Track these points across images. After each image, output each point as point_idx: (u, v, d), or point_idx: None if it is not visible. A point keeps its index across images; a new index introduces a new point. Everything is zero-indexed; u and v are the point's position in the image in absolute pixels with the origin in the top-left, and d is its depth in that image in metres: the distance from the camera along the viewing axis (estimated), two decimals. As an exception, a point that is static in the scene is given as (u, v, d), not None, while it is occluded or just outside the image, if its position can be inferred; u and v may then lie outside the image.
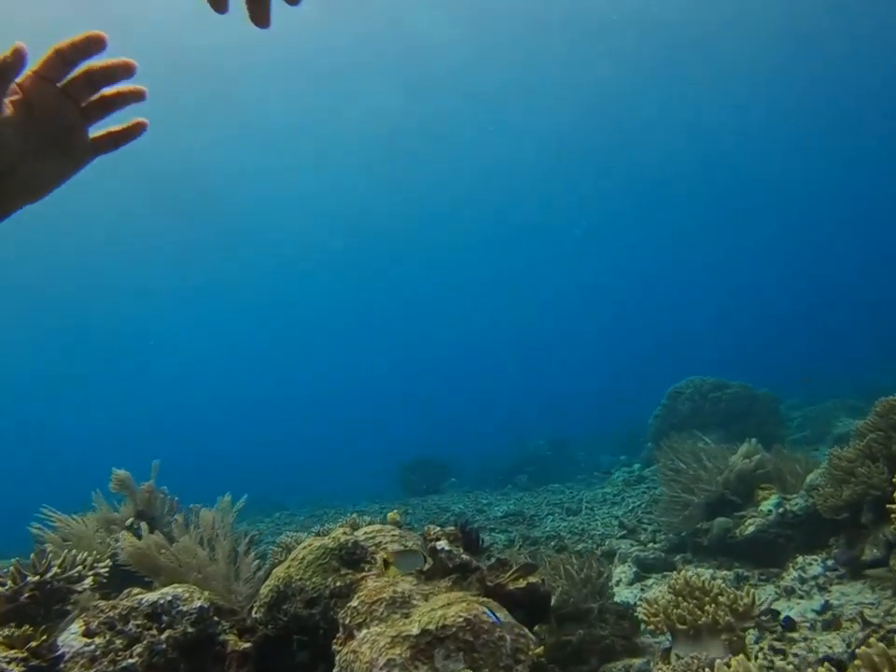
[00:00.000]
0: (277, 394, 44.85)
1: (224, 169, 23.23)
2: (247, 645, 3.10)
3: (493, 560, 3.48)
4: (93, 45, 0.81)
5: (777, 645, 3.68)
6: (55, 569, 2.82)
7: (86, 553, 3.09)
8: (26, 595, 2.75)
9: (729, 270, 40.11)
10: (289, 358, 45.02)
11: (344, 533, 3.33)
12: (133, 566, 3.32)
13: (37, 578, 2.76)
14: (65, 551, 3.05)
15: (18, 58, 0.75)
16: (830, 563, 4.70)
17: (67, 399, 41.41)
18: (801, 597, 4.56)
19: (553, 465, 13.50)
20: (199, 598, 3.06)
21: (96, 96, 0.88)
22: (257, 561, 3.63)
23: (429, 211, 32.18)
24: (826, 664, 2.31)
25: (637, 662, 3.43)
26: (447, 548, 3.28)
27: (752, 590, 3.04)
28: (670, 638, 3.07)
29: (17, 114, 0.81)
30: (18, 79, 0.79)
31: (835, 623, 4.04)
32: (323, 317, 42.25)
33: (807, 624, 4.12)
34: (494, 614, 2.61)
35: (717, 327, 41.68)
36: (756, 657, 3.36)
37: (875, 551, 4.43)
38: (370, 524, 3.95)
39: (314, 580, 3.17)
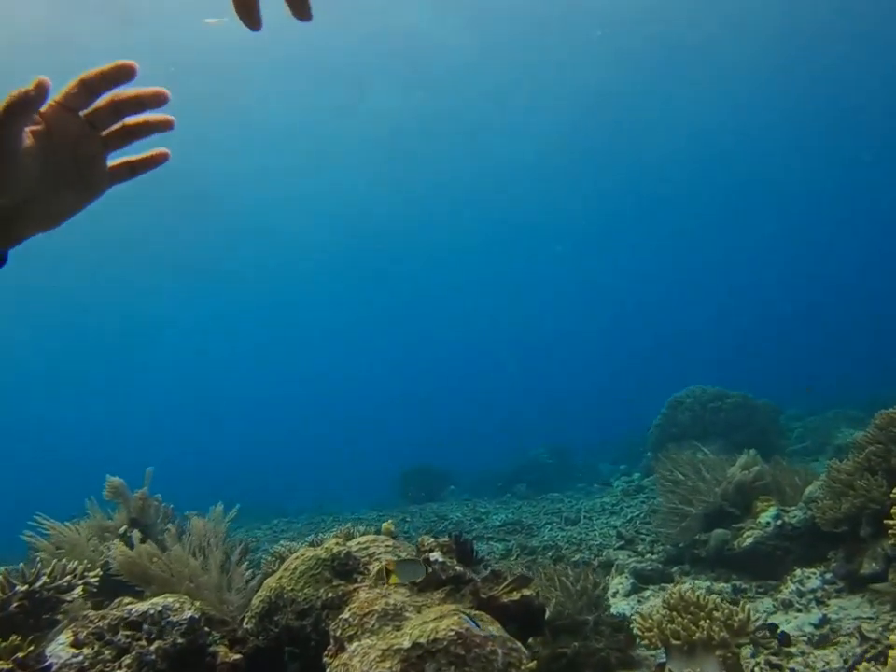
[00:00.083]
0: (276, 395, 44.93)
1: (224, 169, 23.27)
2: (238, 656, 3.07)
3: (487, 571, 3.45)
4: (123, 75, 0.79)
5: (774, 660, 3.64)
6: (44, 579, 2.80)
7: (76, 562, 3.06)
8: (15, 604, 2.73)
9: (730, 273, 40.14)
10: (289, 360, 45.09)
11: (337, 543, 3.31)
12: (124, 575, 3.30)
13: (26, 587, 2.74)
14: (55, 560, 3.03)
15: (40, 92, 0.74)
16: (828, 576, 4.67)
17: (66, 398, 41.53)
18: (799, 611, 4.52)
19: (552, 473, 13.45)
20: (189, 608, 3.04)
21: (119, 124, 0.86)
22: (249, 571, 3.61)
23: (429, 211, 32.22)
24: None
25: (632, 676, 3.40)
26: (441, 559, 3.26)
27: (748, 605, 3.01)
28: (665, 653, 3.04)
29: (37, 144, 0.79)
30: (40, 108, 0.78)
31: (833, 637, 4.01)
32: (323, 319, 42.30)
33: (805, 639, 4.09)
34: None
35: (718, 331, 41.70)
36: (752, 672, 3.33)
37: (873, 564, 4.39)
38: (364, 534, 3.93)
39: (305, 591, 3.14)
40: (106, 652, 2.73)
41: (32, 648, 2.63)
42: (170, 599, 3.04)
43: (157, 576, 3.35)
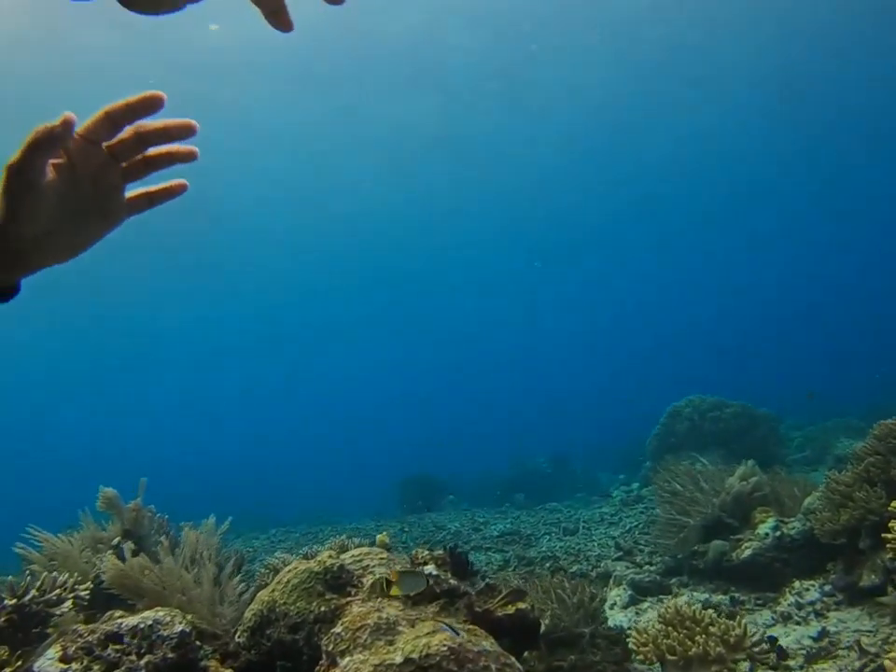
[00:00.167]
0: (275, 400, 44.99)
1: (224, 170, 23.30)
2: (229, 671, 3.04)
3: (483, 584, 3.43)
4: (150, 107, 0.78)
5: (772, 675, 3.61)
6: (33, 592, 2.77)
7: (66, 575, 3.04)
8: (3, 618, 2.70)
9: (731, 279, 40.15)
10: (289, 365, 45.09)
11: (330, 556, 3.28)
12: (116, 588, 3.27)
13: (15, 601, 2.71)
14: (45, 573, 3.00)
15: (66, 128, 0.73)
16: (827, 588, 4.63)
17: (64, 404, 41.52)
18: (798, 623, 4.49)
19: (551, 482, 13.41)
20: (181, 622, 3.01)
21: (140, 155, 0.84)
22: (243, 584, 3.58)
23: (429, 214, 32.22)
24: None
25: (628, 691, 3.36)
26: (434, 572, 3.23)
27: (744, 620, 2.98)
28: (661, 668, 3.01)
29: (59, 177, 0.78)
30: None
31: (832, 651, 3.97)
32: (323, 323, 42.31)
33: (804, 652, 4.05)
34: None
35: (718, 336, 41.78)
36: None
37: (873, 577, 4.36)
38: (359, 546, 3.90)
39: (298, 604, 3.11)
40: (95, 668, 2.70)
41: (20, 662, 2.60)
42: (161, 613, 3.01)
43: (149, 589, 3.32)
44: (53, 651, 2.68)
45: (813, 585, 4.70)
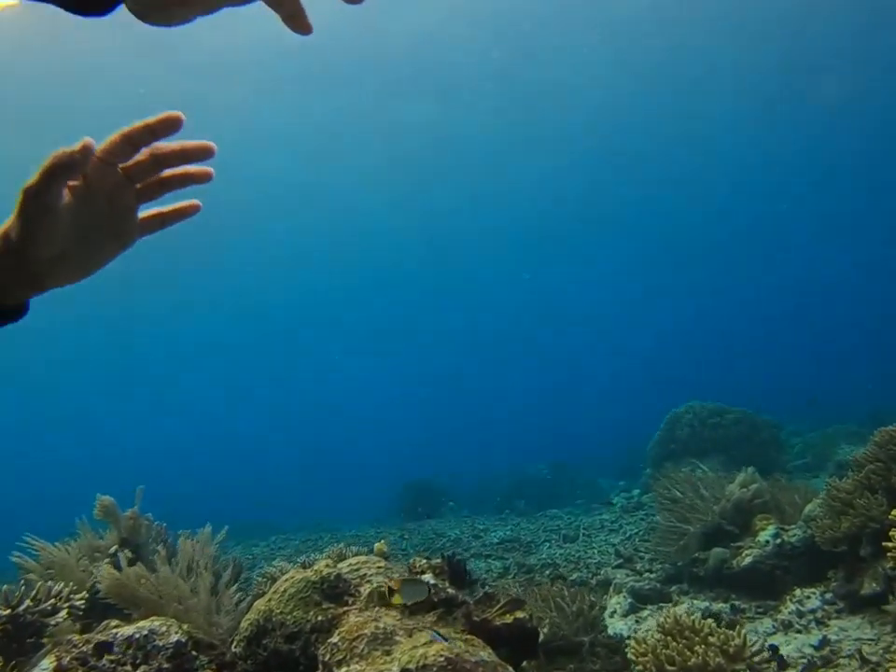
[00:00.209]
0: (276, 405, 44.92)
1: (224, 170, 23.33)
2: (225, 681, 3.02)
3: (481, 593, 3.40)
4: (169, 128, 0.77)
5: (773, 684, 3.58)
6: (28, 602, 2.75)
7: (62, 585, 3.02)
8: (-3, 629, 2.68)
9: (732, 282, 40.12)
10: (289, 371, 45.06)
11: (327, 565, 3.26)
12: (112, 598, 3.25)
13: (9, 611, 2.70)
14: (41, 582, 2.98)
15: (85, 154, 0.73)
16: (828, 596, 4.60)
17: (63, 411, 41.47)
18: (799, 631, 4.46)
19: (551, 489, 13.36)
20: (176, 632, 2.99)
21: (156, 176, 0.84)
22: (239, 593, 3.56)
23: (434, 222, 32.23)
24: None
25: (628, 701, 3.34)
26: (432, 582, 3.21)
27: (744, 630, 2.95)
28: (660, 678, 2.98)
29: (74, 198, 0.78)
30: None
31: (833, 659, 3.94)
32: (325, 329, 42.30)
33: (804, 661, 4.02)
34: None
35: (719, 341, 41.74)
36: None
37: (874, 585, 4.33)
38: (357, 554, 3.88)
39: (294, 613, 3.09)
40: (90, 678, 2.68)
41: (14, 673, 2.58)
42: (156, 622, 2.99)
43: (145, 598, 3.30)
44: (48, 662, 2.67)
45: (814, 593, 4.67)
